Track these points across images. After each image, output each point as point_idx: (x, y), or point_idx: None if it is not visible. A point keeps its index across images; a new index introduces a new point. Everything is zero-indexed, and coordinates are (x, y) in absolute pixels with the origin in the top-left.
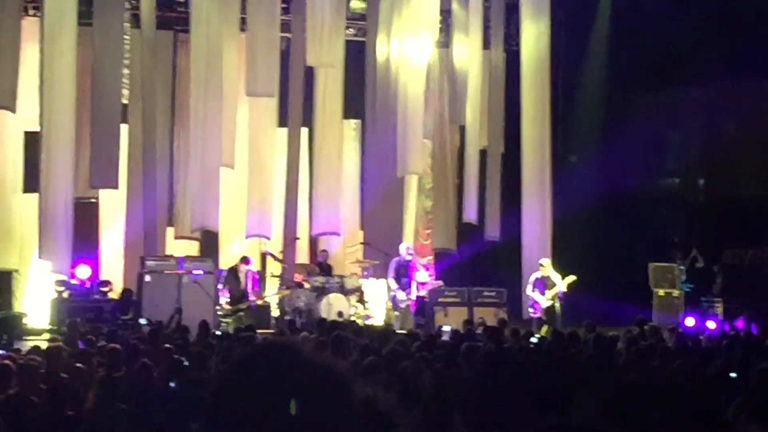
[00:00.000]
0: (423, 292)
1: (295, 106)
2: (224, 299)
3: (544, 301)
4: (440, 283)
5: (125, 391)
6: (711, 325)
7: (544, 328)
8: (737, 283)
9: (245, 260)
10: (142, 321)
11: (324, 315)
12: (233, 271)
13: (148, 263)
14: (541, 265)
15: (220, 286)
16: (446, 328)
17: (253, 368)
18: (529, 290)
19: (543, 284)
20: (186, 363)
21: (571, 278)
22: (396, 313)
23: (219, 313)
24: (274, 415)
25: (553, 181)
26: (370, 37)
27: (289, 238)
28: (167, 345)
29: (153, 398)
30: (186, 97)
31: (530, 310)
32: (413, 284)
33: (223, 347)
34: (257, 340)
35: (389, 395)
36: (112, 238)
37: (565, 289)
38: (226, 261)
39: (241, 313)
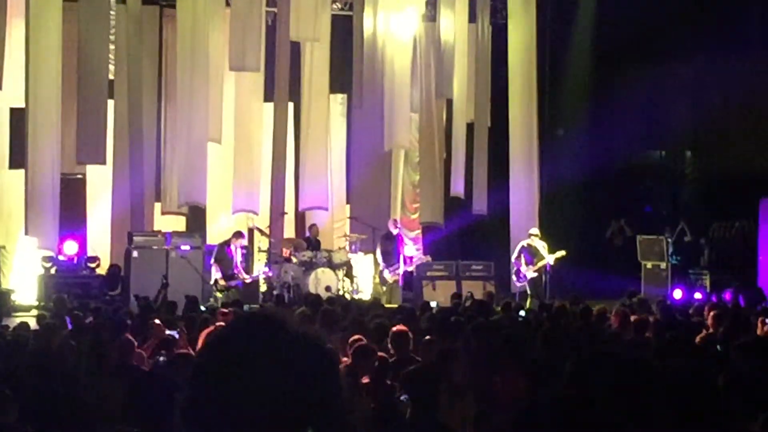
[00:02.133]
0: (411, 267)
1: (282, 81)
2: (218, 274)
3: (531, 271)
4: (428, 258)
5: (113, 367)
6: (698, 297)
7: (529, 301)
8: (724, 256)
9: (239, 235)
10: (132, 298)
11: (312, 290)
12: (225, 245)
13: (136, 239)
14: (531, 234)
15: (212, 262)
16: (433, 304)
17: (238, 339)
18: (514, 257)
19: (530, 254)
20: (176, 336)
21: (561, 253)
22: (384, 287)
23: (213, 287)
24: (258, 386)
25: (540, 155)
26: (356, 11)
27: (277, 213)
28: (156, 320)
29: (141, 373)
30: (172, 73)
31: (514, 278)
32: (401, 258)
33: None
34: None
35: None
36: (99, 213)
37: (552, 263)
38: (213, 236)
39: (232, 289)
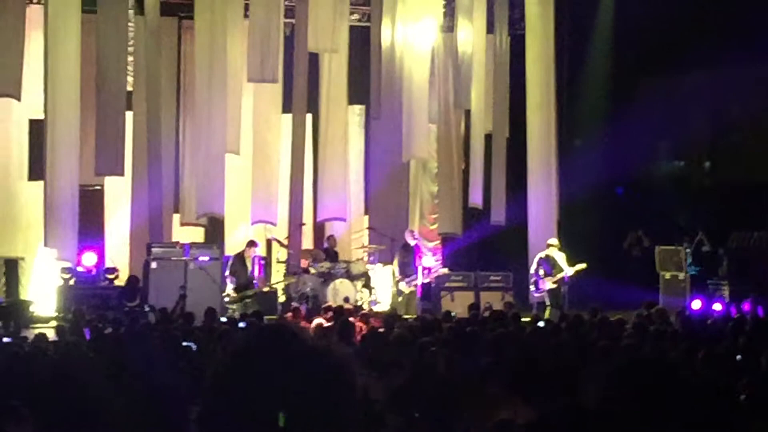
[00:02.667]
0: (428, 279)
1: (300, 92)
2: (231, 286)
3: (549, 283)
4: (446, 270)
5: (131, 378)
6: (717, 307)
7: (548, 311)
8: (743, 266)
9: (252, 244)
10: (146, 308)
11: (330, 301)
12: (240, 256)
13: (154, 250)
14: (550, 245)
15: (227, 273)
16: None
17: (255, 353)
18: (533, 269)
19: (549, 265)
20: (194, 348)
21: (582, 266)
22: (400, 298)
23: (226, 299)
24: (273, 397)
25: (558, 165)
26: (374, 23)
27: (295, 224)
28: (173, 332)
29: (159, 384)
30: (191, 84)
31: (532, 288)
32: (419, 269)
33: (229, 333)
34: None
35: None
36: (117, 225)
37: (571, 275)
38: (231, 247)
39: (248, 300)
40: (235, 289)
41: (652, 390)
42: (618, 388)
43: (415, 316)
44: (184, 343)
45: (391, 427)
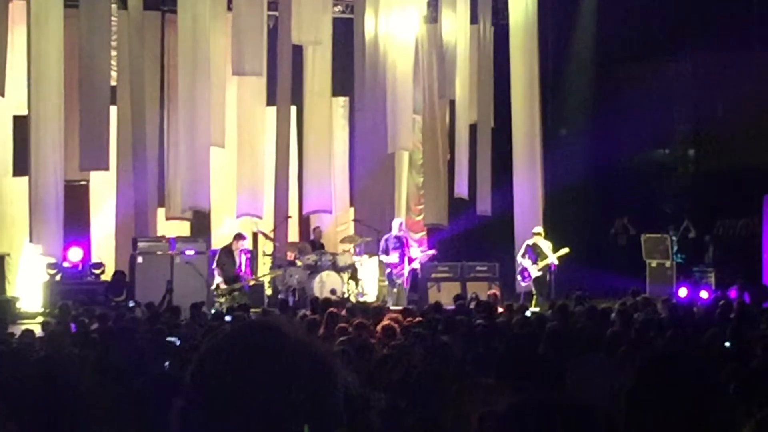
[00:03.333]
0: (416, 264)
1: (284, 85)
2: (219, 279)
3: (535, 270)
4: (432, 251)
5: (118, 373)
6: (704, 294)
7: (534, 300)
8: (729, 253)
9: (240, 237)
10: (131, 304)
11: (317, 293)
12: (227, 249)
13: (140, 244)
14: (535, 233)
15: (213, 266)
16: None
17: (236, 347)
18: (519, 257)
19: (535, 253)
20: (178, 343)
21: (565, 250)
22: (394, 289)
23: (214, 292)
24: (255, 392)
25: (543, 155)
26: (357, 14)
27: (281, 217)
28: (159, 326)
29: (145, 378)
30: (175, 78)
31: (519, 277)
32: (406, 259)
33: (215, 327)
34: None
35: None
36: (103, 220)
37: (556, 262)
38: (217, 241)
39: (236, 293)
40: (224, 282)
41: (679, 382)
42: (647, 381)
43: (402, 308)
44: (168, 339)
45: (376, 419)
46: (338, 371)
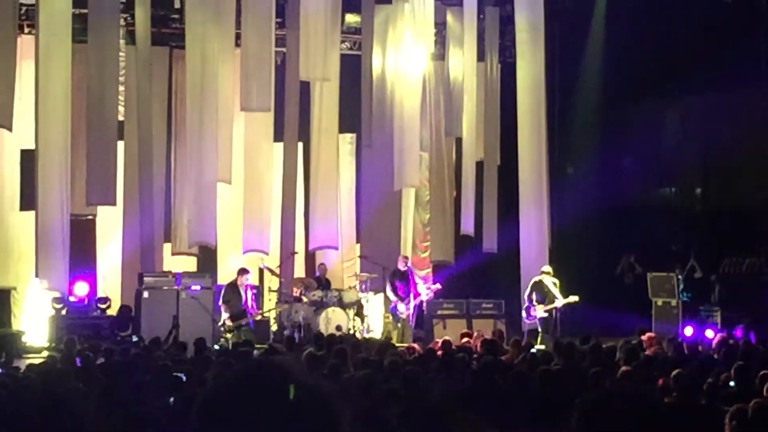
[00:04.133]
0: (421, 299)
1: (291, 121)
2: (225, 315)
3: (541, 310)
4: (438, 285)
5: (122, 408)
6: (709, 334)
7: (540, 338)
8: (735, 292)
9: (244, 271)
10: (134, 338)
11: (322, 329)
12: (233, 285)
13: (146, 279)
14: (544, 272)
15: (220, 302)
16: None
17: (241, 387)
18: (526, 295)
19: (541, 293)
20: (184, 379)
21: (574, 299)
22: (397, 324)
23: (222, 329)
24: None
25: (550, 192)
26: (365, 51)
27: (287, 253)
28: (164, 362)
29: (150, 414)
30: (182, 113)
31: (524, 314)
32: (411, 295)
33: (220, 363)
34: (252, 357)
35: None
36: (109, 254)
37: (562, 306)
38: (224, 276)
39: (243, 328)
40: (230, 318)
41: (620, 421)
42: (589, 420)
43: (407, 345)
44: (175, 374)
45: None
46: (342, 412)
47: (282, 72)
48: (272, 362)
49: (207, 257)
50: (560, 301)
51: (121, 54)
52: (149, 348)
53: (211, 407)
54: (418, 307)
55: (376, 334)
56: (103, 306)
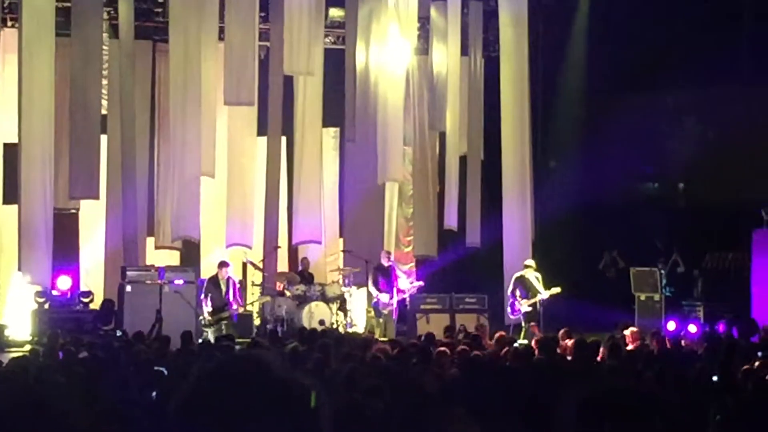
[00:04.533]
0: (404, 295)
1: (275, 115)
2: (206, 309)
3: (525, 306)
4: (420, 283)
5: (105, 403)
6: (692, 328)
7: (523, 333)
8: (718, 287)
9: (223, 264)
10: (118, 333)
11: (305, 323)
12: (213, 279)
13: (129, 273)
14: (527, 265)
15: (202, 296)
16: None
17: (222, 381)
18: (509, 290)
19: (525, 288)
20: (166, 373)
21: (556, 290)
22: (380, 319)
23: (202, 322)
24: (239, 427)
25: (533, 187)
26: (348, 45)
27: (270, 247)
28: (147, 356)
29: (132, 409)
30: (165, 107)
31: (508, 309)
32: (394, 290)
33: (203, 357)
34: (233, 351)
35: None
36: (92, 248)
37: (546, 298)
38: (207, 270)
39: (224, 323)
40: (211, 312)
41: (622, 417)
42: (589, 415)
43: (391, 339)
44: (156, 368)
45: None
46: (322, 406)
47: (265, 66)
48: (251, 356)
49: (190, 251)
50: (544, 294)
51: (104, 48)
52: (132, 342)
53: (191, 401)
54: (401, 302)
55: (359, 328)
56: (86, 300)
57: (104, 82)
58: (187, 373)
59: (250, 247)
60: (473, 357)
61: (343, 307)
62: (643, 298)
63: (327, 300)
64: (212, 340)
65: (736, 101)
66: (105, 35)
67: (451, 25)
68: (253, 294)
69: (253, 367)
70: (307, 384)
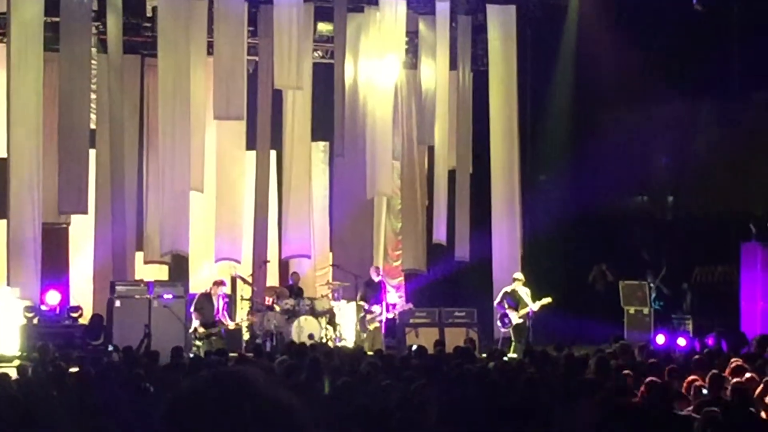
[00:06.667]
0: (392, 314)
1: (264, 129)
2: (196, 323)
3: (515, 317)
4: (410, 305)
5: (95, 417)
6: (681, 342)
7: (513, 347)
8: (707, 300)
9: (220, 283)
10: (110, 348)
11: (295, 338)
12: (206, 294)
13: (118, 288)
14: (516, 279)
15: (192, 310)
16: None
17: (204, 397)
18: (496, 302)
19: (514, 300)
20: (152, 389)
21: (547, 300)
22: (364, 334)
23: (192, 335)
24: None
25: (522, 201)
26: (337, 59)
27: (259, 262)
28: (137, 371)
29: (121, 423)
30: (154, 122)
31: (498, 324)
32: (383, 305)
33: (192, 371)
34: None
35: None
36: (81, 263)
37: (536, 309)
38: (196, 285)
39: (214, 337)
40: (202, 326)
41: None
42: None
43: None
44: (143, 384)
45: None
46: (305, 424)
47: (254, 80)
48: (232, 373)
49: (179, 266)
50: (534, 306)
51: (92, 62)
52: (123, 357)
53: (174, 417)
54: (389, 317)
55: (349, 342)
56: (75, 315)
57: (93, 96)
58: (176, 388)
59: (239, 262)
60: (464, 371)
61: (332, 321)
62: (632, 311)
63: (316, 314)
64: (202, 355)
65: (724, 113)
66: (93, 50)
67: (439, 40)
68: (242, 309)
69: (232, 383)
70: (290, 401)
